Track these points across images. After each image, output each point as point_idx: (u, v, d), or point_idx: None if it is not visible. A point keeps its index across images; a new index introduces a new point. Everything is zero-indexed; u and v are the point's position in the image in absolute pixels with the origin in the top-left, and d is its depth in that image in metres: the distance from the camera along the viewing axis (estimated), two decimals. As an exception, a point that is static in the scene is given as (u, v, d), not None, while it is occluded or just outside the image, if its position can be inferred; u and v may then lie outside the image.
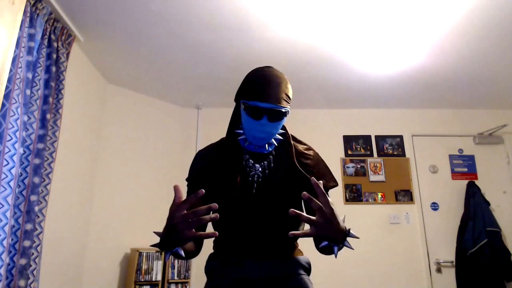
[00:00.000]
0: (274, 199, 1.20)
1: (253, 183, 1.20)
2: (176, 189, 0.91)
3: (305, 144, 1.33)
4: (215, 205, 0.86)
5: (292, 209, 0.88)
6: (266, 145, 1.22)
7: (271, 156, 1.24)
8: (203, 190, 0.85)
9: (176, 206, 0.89)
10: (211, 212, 1.01)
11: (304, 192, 0.89)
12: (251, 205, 1.19)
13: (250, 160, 1.23)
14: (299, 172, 1.22)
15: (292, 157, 1.24)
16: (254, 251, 1.20)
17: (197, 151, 1.34)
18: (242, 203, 1.20)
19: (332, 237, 0.94)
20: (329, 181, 1.27)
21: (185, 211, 0.89)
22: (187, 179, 1.31)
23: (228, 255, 1.23)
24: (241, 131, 1.23)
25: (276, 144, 1.24)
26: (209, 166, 1.26)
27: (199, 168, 1.28)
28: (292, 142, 1.28)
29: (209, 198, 1.23)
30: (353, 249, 0.97)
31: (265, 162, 1.23)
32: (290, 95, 1.18)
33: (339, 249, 0.98)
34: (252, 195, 1.19)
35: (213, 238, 1.31)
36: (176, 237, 0.91)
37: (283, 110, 1.14)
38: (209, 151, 1.30)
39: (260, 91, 1.12)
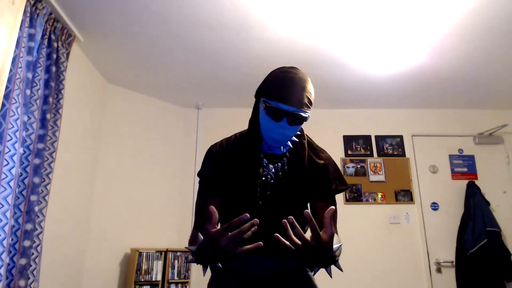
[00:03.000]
0: (285, 201, 1.21)
1: (267, 185, 1.20)
2: (212, 211, 0.90)
3: (317, 147, 1.31)
4: (246, 215, 0.85)
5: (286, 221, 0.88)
6: (281, 146, 1.21)
7: (285, 158, 1.24)
8: (248, 215, 0.84)
9: (219, 232, 0.89)
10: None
11: (306, 211, 0.87)
12: (265, 204, 1.19)
13: (265, 160, 1.22)
14: (310, 176, 1.22)
15: (304, 161, 1.23)
16: (262, 249, 1.20)
17: (210, 146, 1.31)
18: (257, 202, 1.19)
19: (316, 260, 0.94)
20: (339, 185, 1.26)
21: (229, 233, 0.89)
22: (199, 174, 1.28)
23: None
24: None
25: (291, 146, 1.24)
26: (224, 163, 1.23)
27: (214, 164, 1.25)
28: (306, 144, 1.26)
29: (224, 194, 1.23)
30: (339, 271, 1.00)
31: (279, 164, 1.22)
32: (313, 100, 1.15)
33: (317, 270, 1.02)
34: (265, 196, 1.19)
35: None
36: (225, 256, 0.92)
37: (304, 115, 1.11)
38: (223, 147, 1.28)
39: (283, 92, 1.09)
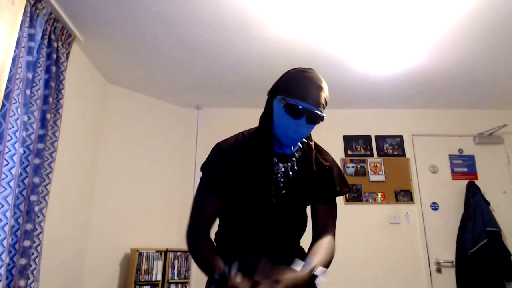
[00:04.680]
0: (293, 201, 1.21)
1: (279, 183, 1.20)
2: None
3: (322, 149, 1.33)
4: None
5: None
6: (292, 146, 1.22)
7: (294, 158, 1.24)
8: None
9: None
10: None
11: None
12: (276, 205, 1.19)
13: (275, 159, 1.22)
14: (316, 177, 1.23)
15: (312, 162, 1.24)
16: (263, 249, 1.21)
17: (217, 144, 1.26)
18: (265, 202, 1.18)
19: None
20: (342, 187, 1.28)
21: None
22: (203, 169, 1.24)
23: (233, 251, 1.22)
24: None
25: (301, 146, 1.26)
26: (233, 162, 1.20)
27: (221, 162, 1.21)
28: (313, 146, 1.28)
29: (228, 195, 1.22)
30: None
31: (289, 163, 1.23)
32: (327, 101, 1.18)
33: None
34: (280, 194, 1.19)
35: (215, 231, 1.31)
36: None
37: (321, 115, 1.14)
38: (232, 146, 1.24)
39: (303, 91, 1.12)
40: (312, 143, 1.29)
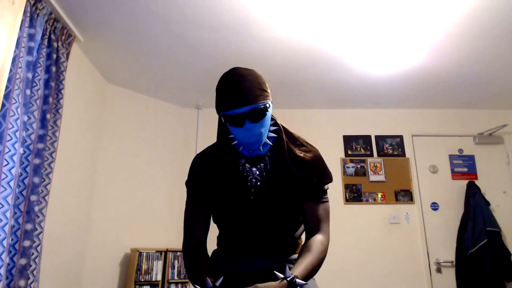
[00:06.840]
0: (274, 201, 1.19)
1: (251, 188, 1.19)
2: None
3: (299, 139, 1.27)
4: None
5: None
6: (260, 147, 1.19)
7: (267, 158, 1.21)
8: None
9: None
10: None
11: None
12: (251, 208, 1.19)
13: (247, 165, 1.21)
14: (292, 171, 1.19)
15: (285, 156, 1.20)
16: (256, 250, 1.22)
17: (196, 155, 1.32)
18: (243, 207, 1.20)
19: None
20: (320, 178, 1.21)
21: None
22: (186, 183, 1.29)
23: (231, 252, 1.25)
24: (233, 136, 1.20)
25: (271, 144, 1.21)
26: (207, 171, 1.24)
27: (198, 173, 1.26)
28: (285, 138, 1.22)
29: (212, 202, 1.24)
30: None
31: (262, 164, 1.21)
32: (265, 87, 1.12)
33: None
34: (251, 199, 1.19)
35: (216, 235, 1.33)
36: None
37: (261, 106, 1.08)
38: (206, 155, 1.28)
39: (230, 98, 1.07)
40: (283, 135, 1.22)
